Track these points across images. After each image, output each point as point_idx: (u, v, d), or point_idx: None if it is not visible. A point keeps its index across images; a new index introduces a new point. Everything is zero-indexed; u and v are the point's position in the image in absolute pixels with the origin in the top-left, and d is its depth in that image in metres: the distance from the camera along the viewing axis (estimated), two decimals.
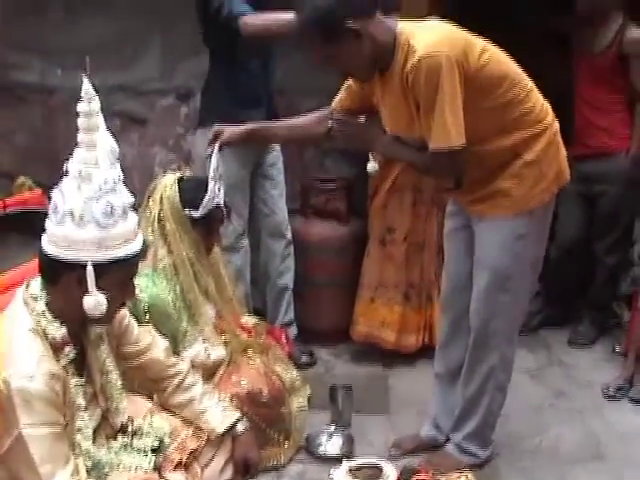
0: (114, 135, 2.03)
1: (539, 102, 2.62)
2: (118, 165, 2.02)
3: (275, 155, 3.75)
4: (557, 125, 2.68)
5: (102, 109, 1.97)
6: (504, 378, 2.86)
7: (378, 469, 2.80)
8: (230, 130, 2.87)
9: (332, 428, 3.17)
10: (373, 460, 2.88)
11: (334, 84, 4.09)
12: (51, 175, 2.05)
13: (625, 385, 3.58)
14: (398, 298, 3.77)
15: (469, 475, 2.74)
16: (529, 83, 2.61)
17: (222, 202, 2.86)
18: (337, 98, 2.87)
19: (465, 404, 2.89)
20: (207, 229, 2.84)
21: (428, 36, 2.45)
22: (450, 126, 2.42)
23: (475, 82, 2.47)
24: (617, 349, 3.97)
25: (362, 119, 2.87)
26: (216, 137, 2.85)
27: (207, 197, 2.77)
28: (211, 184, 2.77)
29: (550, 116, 2.65)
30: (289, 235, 3.82)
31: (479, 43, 2.52)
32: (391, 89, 2.57)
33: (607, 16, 3.76)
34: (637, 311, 3.65)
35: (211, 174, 2.78)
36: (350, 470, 2.81)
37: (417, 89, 2.44)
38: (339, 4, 2.45)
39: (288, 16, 3.05)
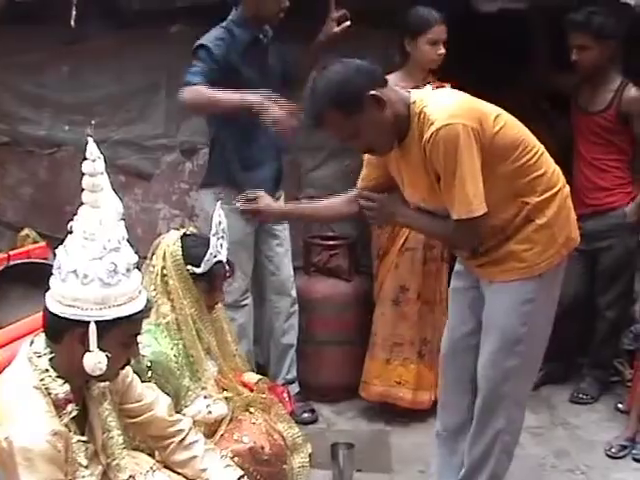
0: (118, 190, 2.06)
1: (550, 167, 2.66)
2: (122, 224, 2.05)
3: None
4: (568, 189, 2.71)
5: (106, 164, 1.99)
6: (511, 441, 2.82)
7: None
8: (266, 211, 2.94)
9: None
10: None
11: (335, 141, 4.18)
12: (55, 227, 2.07)
13: (628, 444, 3.56)
14: (413, 356, 3.80)
15: None
16: (541, 148, 2.64)
17: (224, 259, 2.88)
18: (360, 177, 2.89)
19: (469, 466, 2.85)
20: (210, 286, 2.85)
21: (443, 105, 2.48)
22: (472, 197, 2.45)
23: (490, 149, 2.50)
24: (620, 407, 3.95)
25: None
26: (249, 200, 2.90)
27: (209, 253, 2.79)
28: (213, 240, 2.79)
29: (561, 181, 2.68)
30: (294, 293, 3.84)
31: (492, 110, 2.56)
32: (409, 159, 2.59)
33: (606, 75, 3.82)
34: (638, 369, 3.64)
35: (213, 230, 2.80)
36: None
37: (436, 160, 2.46)
38: (357, 73, 2.48)
39: (238, 97, 3.19)
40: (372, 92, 2.45)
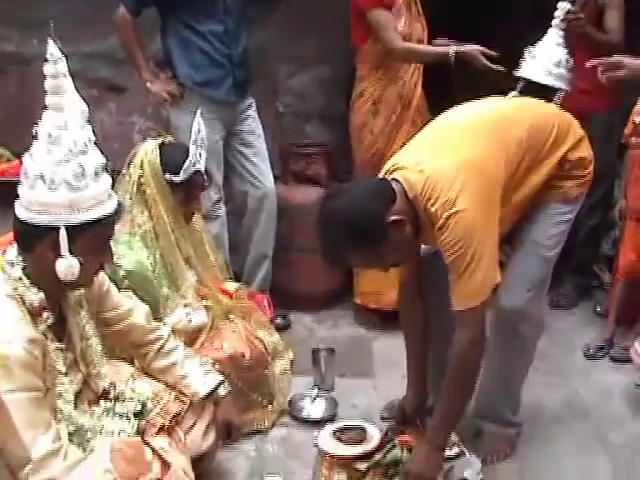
0: (91, 104, 2.01)
1: (565, 122, 2.64)
2: (89, 127, 2.00)
3: (252, 122, 3.73)
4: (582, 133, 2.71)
5: (79, 77, 1.94)
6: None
7: (362, 431, 2.81)
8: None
9: (315, 391, 3.19)
10: (357, 422, 2.90)
11: (312, 50, 4.12)
12: (28, 145, 2.03)
13: (605, 345, 3.62)
14: None
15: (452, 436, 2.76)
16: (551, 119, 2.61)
17: (203, 168, 2.84)
18: (401, 273, 2.76)
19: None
20: (187, 195, 2.82)
21: (447, 193, 2.32)
22: (484, 283, 2.35)
23: (508, 178, 2.45)
24: (599, 310, 4.01)
25: None
26: None
27: (188, 162, 2.75)
28: (192, 148, 2.76)
29: (574, 128, 2.67)
30: (274, 203, 3.81)
31: (488, 146, 2.44)
32: (429, 241, 2.53)
33: None
34: (618, 273, 3.67)
35: (193, 138, 2.76)
36: (334, 432, 2.83)
37: (447, 250, 2.35)
38: (369, 203, 2.32)
39: None
40: (391, 218, 2.31)
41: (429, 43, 3.58)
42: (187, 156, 2.75)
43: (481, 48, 3.29)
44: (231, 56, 3.55)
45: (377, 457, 2.66)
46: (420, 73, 3.69)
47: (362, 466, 2.65)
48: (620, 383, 3.34)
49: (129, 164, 2.81)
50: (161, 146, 2.80)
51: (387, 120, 3.68)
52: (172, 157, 2.77)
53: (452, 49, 3.33)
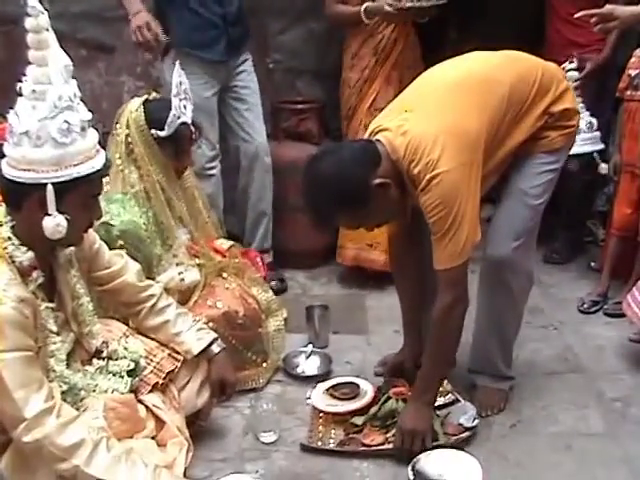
0: (80, 64, 1.99)
1: (548, 73, 2.61)
2: (73, 82, 1.98)
3: (246, 76, 3.68)
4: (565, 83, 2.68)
5: (68, 37, 1.91)
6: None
7: (355, 386, 2.82)
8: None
9: (309, 348, 3.19)
10: (349, 378, 2.90)
11: (303, 4, 4.06)
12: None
13: (599, 299, 3.62)
14: None
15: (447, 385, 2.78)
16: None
17: (189, 120, 2.81)
18: (387, 228, 2.80)
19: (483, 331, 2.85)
20: (176, 149, 2.80)
21: (428, 155, 2.33)
22: (466, 243, 2.37)
23: (492, 133, 2.45)
24: (592, 265, 4.00)
25: None
26: None
27: (172, 115, 2.72)
28: (175, 101, 2.73)
29: (558, 76, 2.65)
30: (268, 160, 3.79)
31: (470, 107, 2.43)
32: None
33: None
34: (612, 227, 3.66)
35: (174, 91, 2.74)
36: (327, 389, 2.84)
37: (429, 212, 2.37)
38: (354, 165, 2.35)
39: None
40: (376, 181, 2.34)
41: None
42: (171, 110, 2.73)
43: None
44: (226, 15, 3.50)
45: (373, 410, 2.68)
46: (404, 29, 3.67)
47: (358, 420, 2.67)
48: (613, 338, 3.34)
49: (116, 124, 2.78)
50: (145, 103, 2.78)
51: (360, 74, 3.70)
52: (156, 112, 2.75)
53: (362, 7, 3.56)
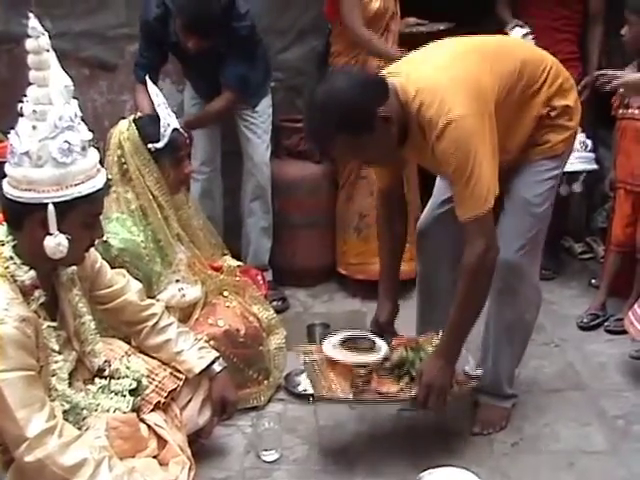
0: (82, 83, 2.00)
1: (559, 69, 2.63)
2: (74, 102, 1.99)
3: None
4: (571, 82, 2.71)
5: (70, 56, 1.93)
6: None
7: (370, 340, 2.72)
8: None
9: None
10: (365, 333, 2.80)
11: (305, 23, 4.08)
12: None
13: (598, 313, 3.62)
14: None
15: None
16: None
17: (178, 124, 2.85)
18: (377, 178, 2.81)
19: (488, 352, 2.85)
20: (175, 157, 2.81)
21: (440, 98, 2.32)
22: (488, 190, 2.35)
23: (500, 102, 2.44)
24: (593, 282, 4.00)
25: None
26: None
27: (162, 124, 2.76)
28: (160, 110, 2.78)
29: (563, 74, 2.66)
30: (264, 175, 3.81)
31: (484, 68, 2.44)
32: (415, 154, 2.53)
33: None
34: (610, 244, 3.67)
35: (155, 102, 2.80)
36: (342, 342, 2.72)
37: (446, 163, 2.36)
38: (364, 91, 2.33)
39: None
40: (382, 113, 2.32)
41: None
42: (160, 120, 2.77)
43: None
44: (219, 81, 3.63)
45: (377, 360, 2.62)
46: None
47: (362, 371, 2.58)
48: (615, 355, 3.34)
49: (106, 149, 2.81)
50: (135, 121, 2.81)
51: None
52: (148, 127, 2.78)
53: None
